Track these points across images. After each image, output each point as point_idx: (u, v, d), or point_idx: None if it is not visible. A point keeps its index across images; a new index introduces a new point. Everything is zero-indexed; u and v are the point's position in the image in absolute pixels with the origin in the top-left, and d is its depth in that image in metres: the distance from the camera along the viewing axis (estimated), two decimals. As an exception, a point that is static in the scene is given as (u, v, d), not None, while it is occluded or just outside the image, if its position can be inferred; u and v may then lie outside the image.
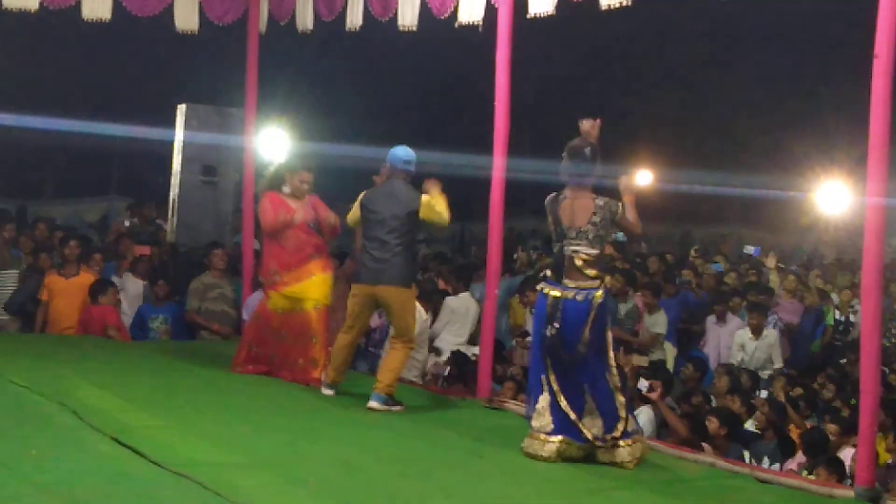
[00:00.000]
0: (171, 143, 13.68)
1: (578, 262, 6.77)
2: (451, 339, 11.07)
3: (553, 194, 7.00)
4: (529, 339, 11.08)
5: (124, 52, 20.31)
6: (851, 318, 13.97)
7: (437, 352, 10.89)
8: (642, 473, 6.67)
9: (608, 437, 6.72)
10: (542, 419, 6.79)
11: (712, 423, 8.69)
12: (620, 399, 6.81)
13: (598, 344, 6.77)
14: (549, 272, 6.96)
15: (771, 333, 12.06)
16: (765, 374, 11.61)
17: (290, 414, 7.63)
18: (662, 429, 9.13)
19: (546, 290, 6.86)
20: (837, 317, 14.27)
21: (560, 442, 6.72)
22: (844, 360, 11.63)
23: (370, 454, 6.56)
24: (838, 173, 21.62)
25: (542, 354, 6.84)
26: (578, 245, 6.80)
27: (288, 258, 8.94)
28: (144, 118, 15.60)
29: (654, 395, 9.06)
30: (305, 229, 8.96)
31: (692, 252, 18.17)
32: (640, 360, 10.73)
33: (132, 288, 11.59)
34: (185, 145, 13.23)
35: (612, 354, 6.82)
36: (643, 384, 9.18)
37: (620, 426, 6.74)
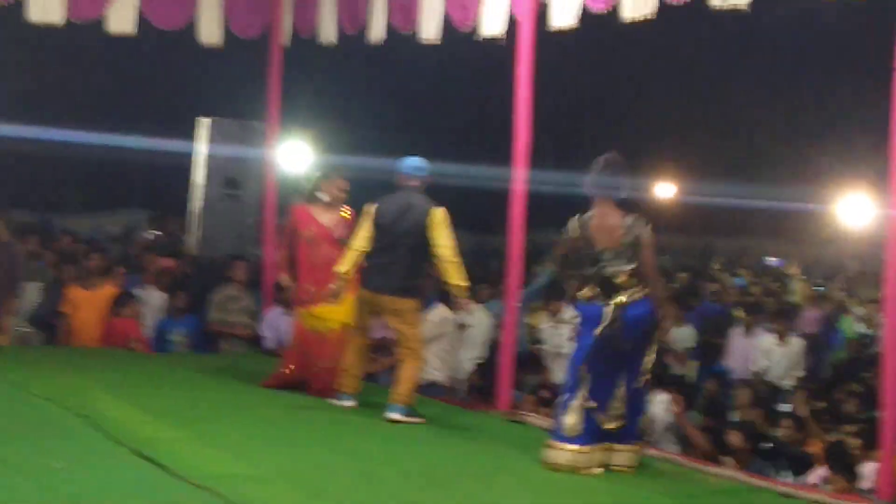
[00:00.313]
0: (193, 156, 13.74)
1: (620, 280, 6.74)
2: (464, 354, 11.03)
3: (577, 216, 6.92)
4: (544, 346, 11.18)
5: (148, 66, 20.40)
6: (872, 331, 13.94)
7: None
8: (663, 486, 6.65)
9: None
10: (574, 416, 6.75)
11: (734, 437, 8.67)
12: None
13: (651, 340, 6.88)
14: (590, 291, 6.83)
15: (796, 340, 12.08)
16: (786, 383, 11.60)
17: (312, 426, 7.64)
18: (684, 442, 9.12)
19: (599, 302, 6.77)
20: (863, 330, 14.22)
21: (576, 452, 6.72)
22: (868, 374, 11.56)
23: (392, 466, 6.56)
24: (861, 185, 21.53)
25: (593, 357, 6.76)
26: (618, 265, 6.75)
27: (318, 275, 8.83)
28: (168, 131, 15.65)
29: (675, 410, 9.07)
30: (335, 245, 8.83)
31: (715, 265, 18.15)
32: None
33: (154, 300, 11.64)
34: (208, 158, 13.27)
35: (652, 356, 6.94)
36: (664, 398, 9.19)
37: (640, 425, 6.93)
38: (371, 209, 8.35)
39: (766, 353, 11.95)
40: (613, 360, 6.77)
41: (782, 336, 11.94)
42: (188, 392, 8.60)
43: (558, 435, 6.81)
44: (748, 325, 12.30)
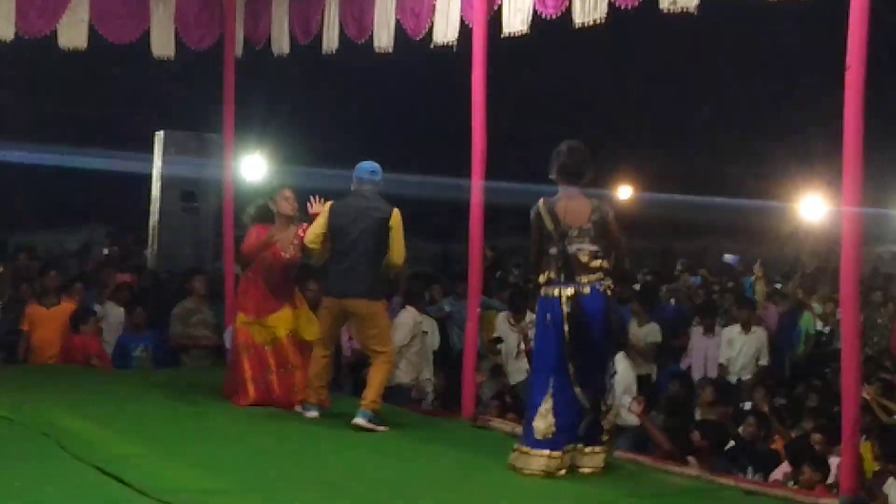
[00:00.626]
0: (150, 170, 13.67)
1: (584, 259, 6.81)
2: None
3: (543, 198, 6.99)
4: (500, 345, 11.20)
5: (102, 80, 20.30)
6: (828, 328, 14.08)
7: None
8: (628, 487, 6.66)
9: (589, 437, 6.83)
10: (545, 420, 6.76)
11: (696, 437, 8.71)
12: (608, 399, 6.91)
13: (618, 335, 6.98)
14: (552, 274, 6.88)
15: (760, 330, 12.22)
16: (749, 377, 11.72)
17: (275, 438, 7.59)
18: (648, 443, 9.15)
19: (556, 292, 6.83)
20: (820, 327, 14.36)
21: (547, 457, 6.72)
22: (828, 370, 11.66)
23: (356, 477, 6.54)
24: (818, 183, 21.76)
25: (555, 356, 6.78)
26: (581, 242, 6.83)
27: (261, 300, 8.85)
28: (124, 146, 15.58)
29: (637, 410, 9.09)
30: (283, 271, 8.84)
31: (678, 266, 18.23)
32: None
33: (114, 316, 11.55)
34: (164, 171, 13.21)
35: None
36: (626, 400, 9.21)
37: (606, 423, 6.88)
38: (327, 206, 8.35)
39: (729, 343, 12.08)
40: (577, 358, 6.75)
41: (746, 326, 12.10)
42: (150, 408, 8.52)
43: (530, 440, 6.81)
44: (706, 325, 12.37)
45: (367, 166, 8.37)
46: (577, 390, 6.75)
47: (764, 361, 12.09)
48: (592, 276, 6.80)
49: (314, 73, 18.73)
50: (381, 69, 13.49)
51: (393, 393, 9.84)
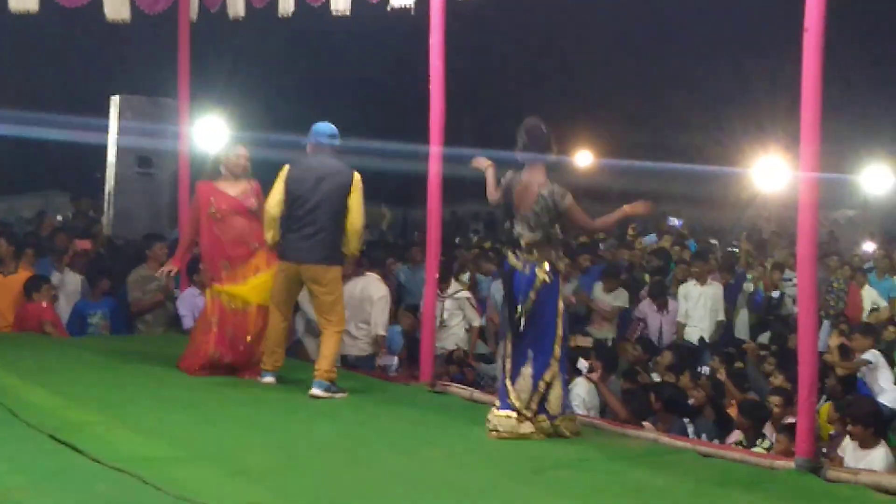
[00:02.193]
0: (106, 136, 13.52)
1: (523, 243, 7.03)
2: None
3: (512, 172, 7.15)
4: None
5: (55, 45, 20.02)
6: (779, 293, 14.18)
7: None
8: (586, 451, 6.68)
9: (526, 410, 6.90)
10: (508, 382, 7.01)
11: (653, 399, 8.75)
12: (546, 376, 6.95)
13: (546, 318, 6.96)
14: (506, 250, 7.26)
15: (715, 283, 12.36)
16: (705, 333, 11.87)
17: (231, 405, 7.55)
18: (605, 408, 9.19)
19: (510, 259, 7.10)
20: (766, 292, 14.45)
21: (515, 418, 6.89)
22: (781, 334, 11.76)
23: (314, 443, 6.52)
24: (775, 148, 21.84)
25: (503, 320, 7.16)
26: (522, 228, 7.04)
27: (230, 251, 8.66)
28: (79, 111, 15.39)
29: (594, 376, 9.14)
30: (247, 216, 8.63)
31: (630, 230, 18.29)
32: (583, 341, 10.80)
33: (71, 283, 11.44)
34: (120, 137, 13.07)
35: (560, 332, 7.01)
36: (582, 364, 9.23)
37: (535, 401, 6.92)
38: (283, 171, 8.22)
39: (685, 296, 12.21)
40: (521, 330, 6.92)
41: (701, 279, 12.26)
42: (105, 375, 8.45)
43: (504, 404, 6.95)
44: (660, 305, 12.45)
45: (325, 129, 8.27)
46: (525, 368, 6.96)
47: (720, 317, 12.27)
48: (530, 257, 7.00)
49: (270, 37, 18.56)
50: (339, 33, 13.40)
51: (359, 363, 9.85)
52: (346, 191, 8.06)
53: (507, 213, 7.21)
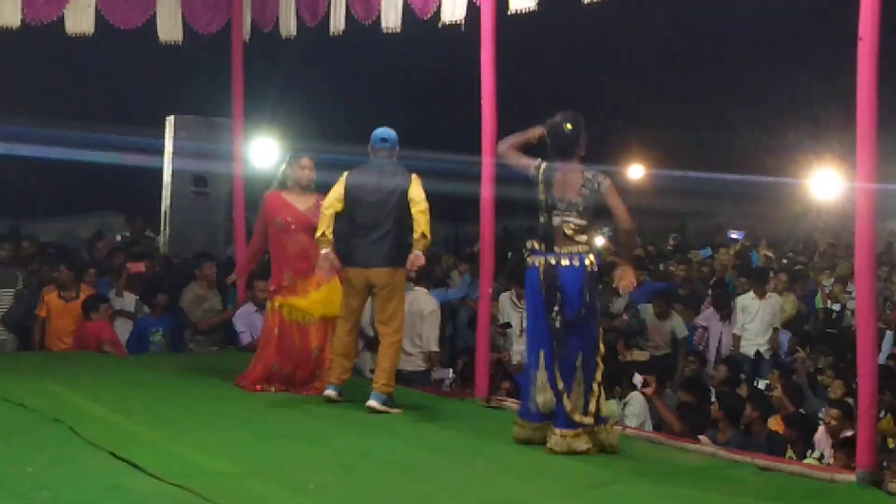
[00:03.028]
0: (161, 156, 13.65)
1: (569, 232, 6.88)
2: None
3: (542, 163, 7.05)
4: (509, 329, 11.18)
5: (110, 66, 20.27)
6: (840, 305, 14.06)
7: None
8: (642, 465, 6.65)
9: (584, 419, 6.80)
10: (545, 394, 6.84)
11: (714, 410, 8.70)
12: (598, 377, 6.88)
13: (592, 310, 6.88)
14: (535, 243, 6.98)
15: (774, 295, 12.30)
16: (763, 343, 11.77)
17: (288, 421, 7.58)
18: (661, 423, 9.12)
19: (537, 261, 6.92)
20: (829, 305, 14.32)
21: (536, 429, 6.89)
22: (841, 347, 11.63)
23: (370, 458, 6.52)
24: (830, 159, 21.64)
25: (540, 327, 6.87)
26: (569, 216, 6.90)
27: (295, 264, 8.65)
28: (134, 131, 15.57)
29: (648, 391, 9.06)
30: (313, 233, 8.44)
31: (670, 241, 18.18)
32: (640, 355, 10.75)
33: (128, 304, 11.55)
34: (175, 157, 13.19)
35: (601, 341, 6.96)
36: (637, 379, 9.18)
37: (592, 405, 6.83)
38: (343, 176, 8.19)
39: (743, 309, 12.14)
40: (568, 323, 6.77)
41: (760, 293, 12.20)
42: (163, 392, 8.51)
43: (525, 414, 6.97)
44: (723, 315, 12.38)
45: (379, 133, 8.25)
46: (556, 369, 6.81)
47: (777, 324, 12.21)
48: (574, 248, 6.85)
49: (323, 55, 18.69)
50: (390, 49, 13.46)
51: (414, 377, 9.85)
52: (404, 190, 7.99)
53: (544, 206, 6.98)
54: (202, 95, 16.48)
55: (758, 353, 12.15)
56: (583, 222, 6.91)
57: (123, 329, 11.10)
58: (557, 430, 6.79)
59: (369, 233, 8.04)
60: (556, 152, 7.06)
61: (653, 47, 23.81)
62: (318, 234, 8.14)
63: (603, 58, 23.99)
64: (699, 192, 21.72)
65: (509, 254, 15.14)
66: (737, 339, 12.24)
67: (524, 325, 10.63)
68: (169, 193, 13.30)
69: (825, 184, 21.46)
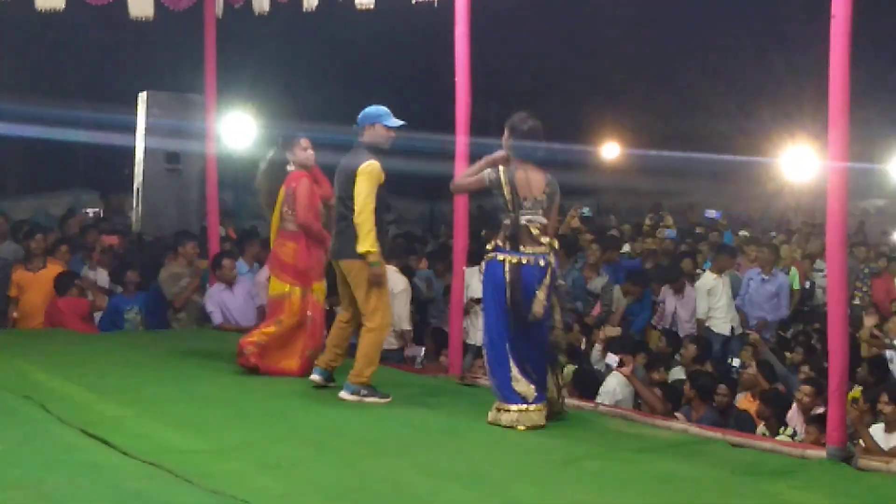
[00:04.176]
0: (134, 132, 13.58)
1: (534, 231, 6.98)
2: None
3: (502, 168, 7.09)
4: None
5: (82, 42, 20.10)
6: (809, 283, 14.14)
7: None
8: (615, 442, 6.68)
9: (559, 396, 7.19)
10: (521, 385, 6.92)
11: (687, 388, 8.73)
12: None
13: (549, 306, 7.03)
14: (500, 242, 7.04)
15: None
16: (733, 317, 11.92)
17: (262, 399, 7.55)
18: (638, 402, 9.14)
19: (502, 258, 6.99)
20: (805, 285, 14.36)
21: (530, 410, 6.90)
22: (811, 326, 11.70)
23: (343, 435, 6.53)
24: (804, 138, 21.69)
25: (505, 321, 6.95)
26: (534, 215, 7.01)
27: (320, 259, 8.46)
28: (107, 108, 15.46)
29: (626, 371, 9.06)
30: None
31: (647, 220, 18.21)
32: (612, 331, 10.73)
33: (101, 280, 11.53)
34: (148, 133, 13.12)
35: (557, 316, 7.11)
36: (612, 359, 9.17)
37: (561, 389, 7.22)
38: None
39: (709, 291, 12.14)
40: (524, 321, 6.92)
41: (720, 271, 12.24)
42: (136, 370, 8.49)
43: (512, 399, 6.93)
44: (677, 288, 12.40)
45: (361, 114, 7.92)
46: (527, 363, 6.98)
47: (784, 312, 12.28)
48: (538, 248, 6.98)
49: (297, 32, 18.58)
50: (364, 25, 13.40)
51: (387, 356, 9.79)
52: (352, 178, 7.66)
53: (509, 206, 7.01)
54: (175, 72, 16.36)
55: (732, 329, 12.19)
56: (545, 221, 7.04)
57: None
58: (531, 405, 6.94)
59: (338, 221, 7.83)
60: (521, 153, 7.12)
61: (627, 26, 23.77)
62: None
63: (577, 37, 23.93)
64: (673, 170, 21.75)
65: (483, 232, 15.13)
66: (701, 324, 12.19)
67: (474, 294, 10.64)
68: (142, 170, 13.23)
69: (798, 163, 21.51)
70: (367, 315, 7.75)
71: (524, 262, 6.93)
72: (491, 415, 6.99)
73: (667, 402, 8.91)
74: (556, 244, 7.12)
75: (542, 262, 6.94)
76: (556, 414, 7.11)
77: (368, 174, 7.60)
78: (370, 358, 7.70)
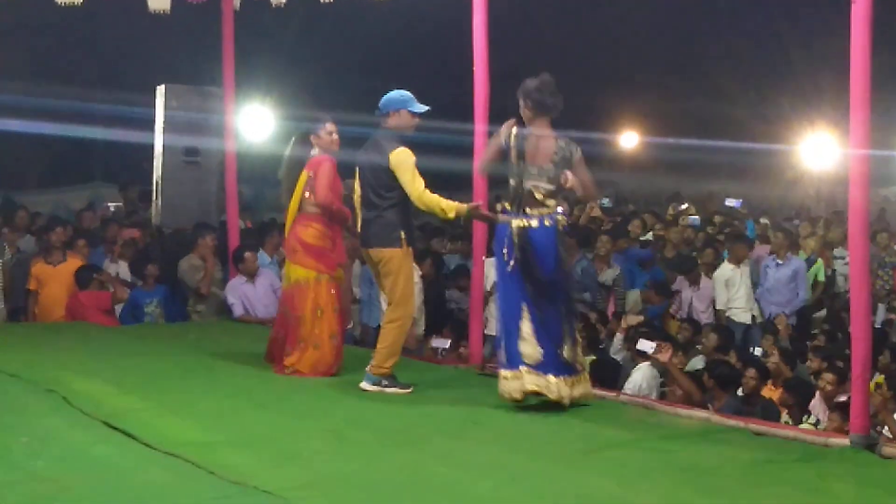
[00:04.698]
0: (152, 126, 13.59)
1: (539, 196, 7.02)
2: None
3: (515, 128, 7.12)
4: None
5: (101, 37, 20.17)
6: (831, 270, 14.06)
7: None
8: (637, 431, 6.66)
9: (577, 365, 7.15)
10: (528, 345, 6.98)
11: (707, 377, 8.64)
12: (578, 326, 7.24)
13: (564, 267, 7.14)
14: (507, 205, 7.13)
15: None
16: (753, 307, 11.94)
17: (282, 390, 7.57)
18: (664, 394, 9.03)
19: (506, 220, 7.08)
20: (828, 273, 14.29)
21: (529, 374, 6.96)
22: (835, 313, 11.64)
23: (363, 426, 6.53)
24: (824, 126, 21.59)
25: (517, 283, 7.01)
26: (539, 181, 7.03)
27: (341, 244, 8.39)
28: (126, 101, 15.49)
29: (664, 357, 8.73)
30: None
31: (670, 209, 18.13)
32: (634, 319, 10.65)
33: (123, 272, 11.57)
34: (166, 126, 13.13)
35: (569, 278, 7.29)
36: (646, 345, 8.95)
37: (580, 353, 7.22)
38: None
39: (727, 282, 12.11)
40: (542, 283, 6.98)
41: (738, 261, 12.19)
42: (157, 362, 8.48)
43: (515, 363, 7.00)
44: (692, 279, 12.36)
45: (384, 97, 7.85)
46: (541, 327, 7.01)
47: (802, 297, 12.24)
48: (544, 210, 7.01)
49: (315, 23, 18.60)
50: (382, 16, 13.40)
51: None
52: (382, 170, 7.58)
53: (516, 170, 7.06)
54: (193, 65, 16.41)
55: (753, 318, 12.15)
56: (552, 187, 7.03)
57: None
58: (554, 378, 6.97)
59: (365, 209, 7.75)
60: (535, 111, 7.13)
61: (646, 14, 23.70)
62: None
63: (596, 25, 23.88)
64: (692, 159, 21.67)
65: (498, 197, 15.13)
66: (721, 315, 12.17)
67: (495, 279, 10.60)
68: (161, 164, 13.25)
69: (817, 150, 21.41)
70: (392, 304, 7.71)
71: (532, 224, 6.98)
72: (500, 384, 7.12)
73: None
74: (594, 202, 7.10)
75: (548, 223, 6.99)
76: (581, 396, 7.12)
77: (404, 162, 7.54)
78: (393, 349, 7.66)
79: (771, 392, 9.06)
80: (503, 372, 7.10)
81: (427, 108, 7.84)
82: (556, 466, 5.76)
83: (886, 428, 7.48)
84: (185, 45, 18.99)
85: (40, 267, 10.93)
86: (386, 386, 7.60)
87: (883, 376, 8.75)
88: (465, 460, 5.81)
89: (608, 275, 12.32)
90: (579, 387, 7.13)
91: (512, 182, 7.09)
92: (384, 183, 7.62)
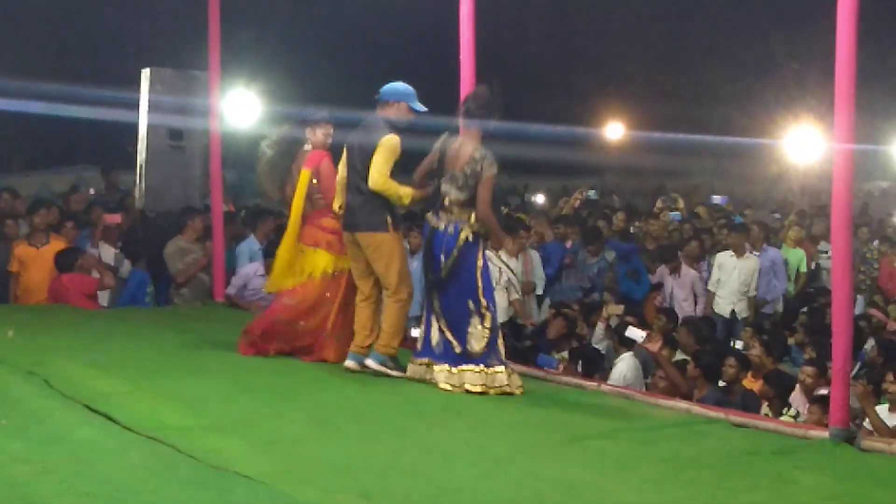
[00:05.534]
0: (137, 109, 13.54)
1: (446, 202, 7.36)
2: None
3: (448, 134, 7.50)
4: None
5: (86, 19, 20.04)
6: (815, 264, 14.14)
7: None
8: (618, 421, 6.69)
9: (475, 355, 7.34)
10: (420, 332, 7.60)
11: (692, 367, 8.66)
12: (478, 327, 7.30)
13: (468, 276, 7.32)
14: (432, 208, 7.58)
15: (752, 258, 12.33)
16: (737, 303, 11.80)
17: (266, 376, 7.54)
18: (648, 384, 9.04)
19: (430, 221, 7.53)
20: (811, 267, 14.36)
21: (422, 364, 7.50)
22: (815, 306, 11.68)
23: (347, 413, 6.54)
24: (808, 119, 21.66)
25: (427, 280, 7.53)
26: (450, 187, 7.34)
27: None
28: (110, 85, 15.43)
29: (654, 347, 8.71)
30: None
31: (658, 203, 18.17)
32: (615, 309, 10.63)
33: (106, 256, 11.52)
34: (151, 110, 13.09)
35: (481, 295, 7.32)
36: (636, 333, 8.91)
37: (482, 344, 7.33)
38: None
39: (720, 266, 12.16)
40: (435, 281, 7.43)
41: (739, 250, 12.23)
42: (139, 346, 8.47)
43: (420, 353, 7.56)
44: (673, 268, 12.40)
45: (385, 87, 7.83)
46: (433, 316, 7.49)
47: (752, 293, 12.21)
48: (450, 217, 7.36)
49: (300, 8, 18.55)
50: (370, 2, 13.37)
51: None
52: (374, 150, 7.58)
53: (438, 173, 7.46)
54: (178, 48, 16.34)
55: (733, 312, 12.19)
56: (459, 196, 7.31)
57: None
58: (447, 367, 7.33)
59: (353, 193, 7.74)
60: (469, 116, 7.46)
61: (631, 9, 23.74)
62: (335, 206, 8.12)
63: (582, 18, 23.90)
64: (677, 152, 21.75)
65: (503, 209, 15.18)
66: (711, 296, 12.25)
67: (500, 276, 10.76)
68: (145, 147, 13.21)
69: (801, 145, 21.49)
70: (392, 287, 7.71)
71: (440, 227, 7.38)
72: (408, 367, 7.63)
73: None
74: (473, 219, 7.30)
75: (451, 230, 7.32)
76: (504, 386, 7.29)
77: (388, 148, 7.57)
78: (397, 328, 7.74)
79: (751, 384, 9.09)
80: (412, 358, 7.66)
81: (425, 109, 7.86)
82: (538, 456, 5.78)
83: (867, 421, 7.52)
84: (171, 29, 18.89)
85: (23, 248, 10.87)
86: (390, 367, 7.68)
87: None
88: (447, 448, 5.82)
89: (592, 268, 12.38)
90: (477, 377, 7.25)
91: (434, 182, 7.50)
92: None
